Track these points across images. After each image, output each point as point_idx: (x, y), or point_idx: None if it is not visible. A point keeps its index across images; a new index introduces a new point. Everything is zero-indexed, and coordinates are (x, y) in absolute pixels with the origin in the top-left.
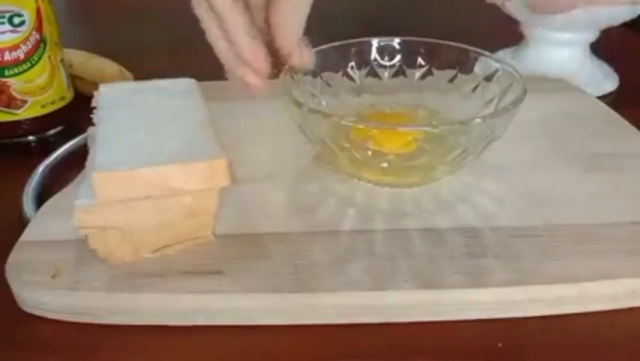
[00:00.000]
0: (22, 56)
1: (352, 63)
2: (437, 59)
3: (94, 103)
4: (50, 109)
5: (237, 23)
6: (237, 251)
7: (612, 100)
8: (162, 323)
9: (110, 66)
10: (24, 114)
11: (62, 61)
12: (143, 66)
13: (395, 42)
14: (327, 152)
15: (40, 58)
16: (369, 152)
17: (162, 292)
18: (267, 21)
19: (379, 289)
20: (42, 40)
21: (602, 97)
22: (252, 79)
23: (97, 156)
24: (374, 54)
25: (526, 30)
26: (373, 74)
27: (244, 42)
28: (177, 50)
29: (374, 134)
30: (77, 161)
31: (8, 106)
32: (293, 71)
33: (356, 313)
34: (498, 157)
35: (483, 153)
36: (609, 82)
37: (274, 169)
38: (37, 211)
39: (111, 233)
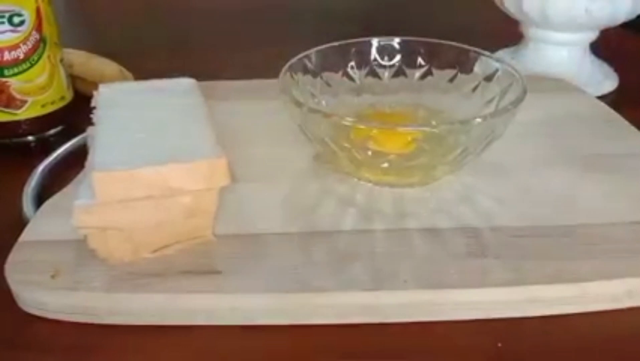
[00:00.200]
0: (21, 56)
1: (352, 63)
2: (437, 59)
3: (93, 103)
4: (50, 109)
5: None
6: (237, 251)
7: (612, 100)
8: (162, 323)
9: (110, 66)
10: (23, 114)
11: (62, 60)
12: (143, 66)
13: (395, 42)
14: (327, 152)
15: (40, 58)
16: (369, 152)
17: (161, 292)
18: None
19: (379, 289)
20: (41, 40)
21: (602, 97)
22: None
23: (97, 156)
24: (373, 54)
25: (526, 30)
26: (373, 74)
27: None
28: (177, 50)
29: (374, 134)
30: (77, 161)
31: (8, 105)
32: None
33: (356, 313)
34: (498, 157)
35: (483, 153)
36: (609, 82)
37: (274, 169)
38: (37, 211)
39: (111, 233)
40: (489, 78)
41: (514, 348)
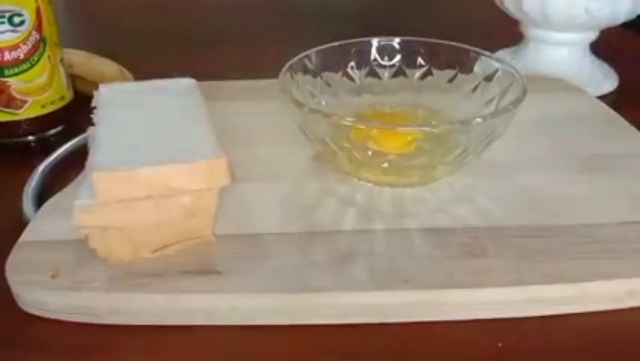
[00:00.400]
0: (21, 56)
1: (352, 63)
2: (437, 59)
3: (94, 103)
4: (50, 109)
5: None
6: (237, 251)
7: (612, 100)
8: (162, 323)
9: (110, 66)
10: (23, 114)
11: (61, 60)
12: (143, 66)
13: (395, 42)
14: (327, 152)
15: (40, 58)
16: (369, 152)
17: (161, 292)
18: None
19: (379, 289)
20: (42, 40)
21: (601, 97)
22: None
23: (97, 156)
24: (373, 54)
25: (526, 30)
26: (373, 74)
27: None
28: (177, 50)
29: (374, 134)
30: (77, 161)
31: (8, 105)
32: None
33: (356, 313)
34: (498, 157)
35: (483, 153)
36: (609, 82)
37: (273, 169)
38: (37, 211)
39: (111, 232)
40: (489, 78)
41: (514, 348)
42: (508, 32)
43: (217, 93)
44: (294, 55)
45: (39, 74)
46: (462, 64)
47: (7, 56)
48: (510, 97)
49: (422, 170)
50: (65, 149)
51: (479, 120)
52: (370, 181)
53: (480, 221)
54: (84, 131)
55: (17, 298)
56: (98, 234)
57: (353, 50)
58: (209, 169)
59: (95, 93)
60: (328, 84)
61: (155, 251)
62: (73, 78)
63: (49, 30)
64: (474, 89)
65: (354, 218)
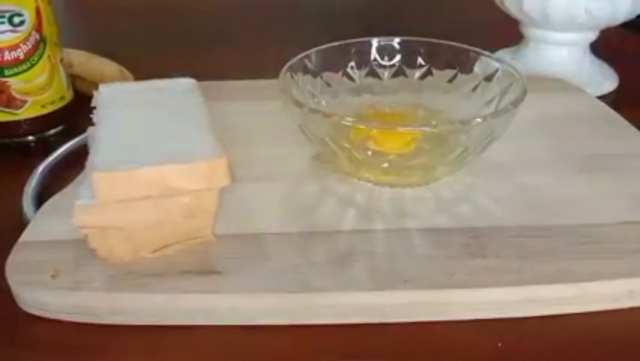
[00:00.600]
0: (21, 56)
1: (352, 63)
2: (436, 59)
3: (94, 103)
4: (50, 109)
5: None
6: (237, 251)
7: (612, 100)
8: (162, 323)
9: (110, 66)
10: (23, 114)
11: (61, 60)
12: (143, 66)
13: (395, 42)
14: (327, 152)
15: (40, 58)
16: (369, 152)
17: (161, 292)
18: None
19: (379, 289)
20: (41, 40)
21: (601, 97)
22: None
23: (97, 156)
24: (373, 54)
25: (526, 30)
26: (373, 74)
27: None
28: (177, 51)
29: (374, 134)
30: (77, 161)
31: (8, 105)
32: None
33: (356, 313)
34: (498, 157)
35: (483, 153)
36: (609, 82)
37: (274, 169)
38: (37, 211)
39: (111, 232)
40: (489, 78)
41: (514, 348)
42: (508, 32)
43: (217, 93)
44: (294, 56)
45: (39, 74)
46: (462, 64)
47: (7, 56)
48: (510, 97)
49: (422, 170)
50: (65, 149)
51: (479, 120)
52: (370, 181)
53: (480, 221)
54: (84, 131)
55: (17, 298)
56: (98, 234)
57: (353, 50)
58: (209, 169)
59: (95, 93)
60: (328, 84)
61: (155, 251)
62: (73, 78)
63: (48, 30)
64: (474, 89)
65: (354, 218)
